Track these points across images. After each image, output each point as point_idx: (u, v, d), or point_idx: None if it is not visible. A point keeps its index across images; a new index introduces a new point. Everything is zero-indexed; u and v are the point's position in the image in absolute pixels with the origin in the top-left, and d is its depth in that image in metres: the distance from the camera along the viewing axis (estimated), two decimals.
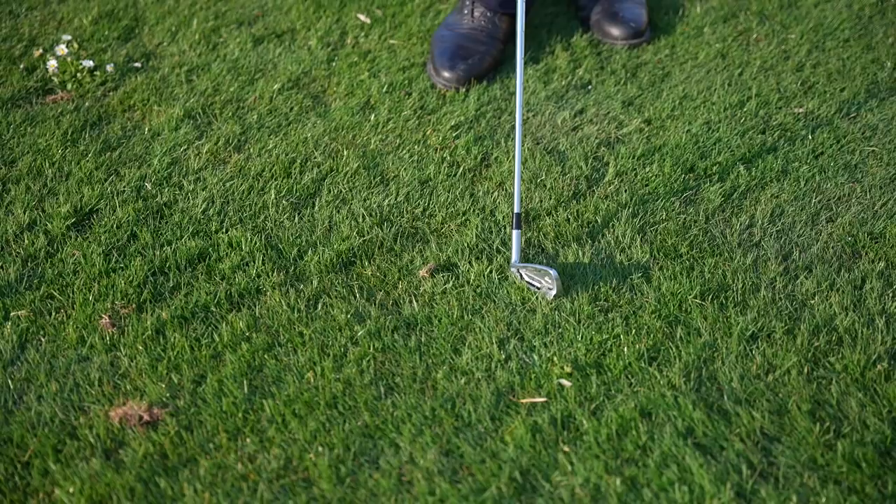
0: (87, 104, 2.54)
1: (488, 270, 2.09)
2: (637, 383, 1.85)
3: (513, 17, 2.70)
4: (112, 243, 2.15)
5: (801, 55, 2.70)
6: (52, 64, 2.60)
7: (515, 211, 2.11)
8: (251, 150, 2.42)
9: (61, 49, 2.65)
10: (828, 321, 1.96)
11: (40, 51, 2.68)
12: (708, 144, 2.42)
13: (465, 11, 2.72)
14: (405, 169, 2.36)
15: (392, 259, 2.13)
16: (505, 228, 2.20)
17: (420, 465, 1.72)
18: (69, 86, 2.59)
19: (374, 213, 2.24)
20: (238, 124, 2.49)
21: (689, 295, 2.02)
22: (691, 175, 2.34)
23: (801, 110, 2.52)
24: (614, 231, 2.19)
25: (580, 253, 2.13)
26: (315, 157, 2.40)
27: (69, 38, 2.72)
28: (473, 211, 2.25)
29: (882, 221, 2.19)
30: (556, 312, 1.99)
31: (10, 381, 1.86)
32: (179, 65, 2.69)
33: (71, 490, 1.68)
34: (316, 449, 1.75)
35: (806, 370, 1.86)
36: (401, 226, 2.21)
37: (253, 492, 1.69)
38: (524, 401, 1.83)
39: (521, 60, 2.16)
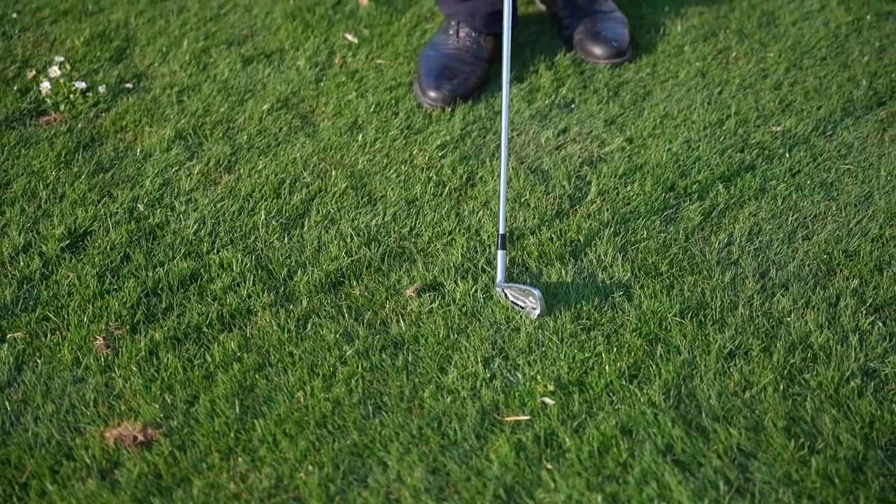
0: (79, 125, 2.59)
1: (473, 290, 2.15)
2: (618, 401, 1.91)
3: (497, 37, 2.75)
4: (106, 265, 2.20)
5: (779, 73, 2.77)
6: (46, 86, 2.65)
7: (500, 232, 2.17)
8: (241, 170, 2.47)
9: (54, 70, 2.69)
10: (803, 338, 2.02)
11: (33, 72, 2.73)
12: (688, 163, 2.48)
13: (451, 32, 2.77)
14: (392, 189, 2.42)
15: (379, 279, 2.18)
16: (490, 248, 2.25)
17: (407, 483, 1.77)
18: (62, 107, 2.64)
19: (361, 233, 2.29)
20: (228, 145, 2.54)
21: (669, 313, 2.07)
22: (671, 194, 2.40)
23: (778, 129, 2.58)
24: (596, 250, 2.24)
25: (563, 272, 2.19)
26: (304, 178, 2.45)
27: (62, 59, 2.77)
28: (459, 230, 2.30)
29: (856, 239, 2.25)
30: (540, 331, 2.05)
31: (7, 403, 1.91)
32: (170, 85, 2.73)
33: None
34: (306, 468, 1.80)
35: (782, 387, 1.92)
36: (388, 245, 2.26)
37: None
38: (508, 419, 1.88)
39: (506, 82, 2.22)
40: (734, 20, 2.97)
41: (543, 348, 2.02)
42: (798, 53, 2.83)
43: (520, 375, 1.96)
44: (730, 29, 2.94)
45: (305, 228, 2.31)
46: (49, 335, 2.04)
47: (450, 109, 2.66)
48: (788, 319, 2.07)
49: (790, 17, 2.96)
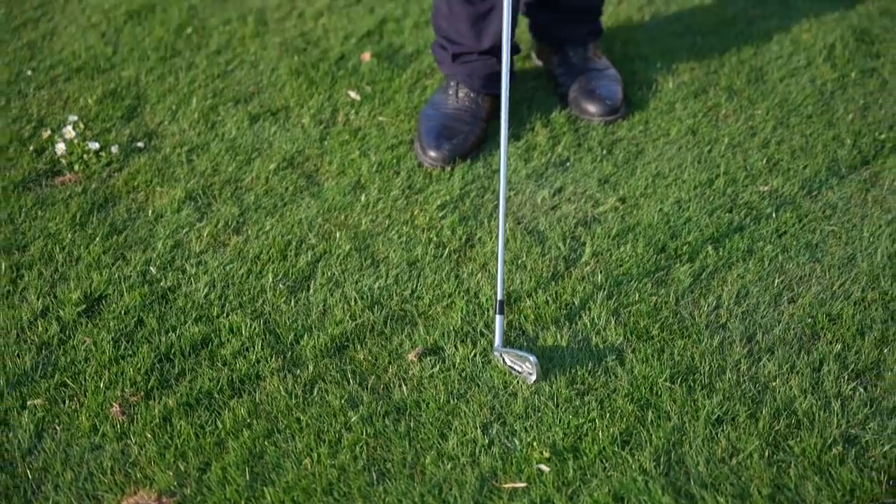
0: (93, 186, 2.69)
1: (472, 354, 2.24)
2: (611, 468, 2.00)
3: (495, 97, 2.85)
4: (120, 329, 2.29)
5: (766, 132, 2.86)
6: (61, 147, 2.75)
7: (498, 298, 2.27)
8: (249, 231, 2.57)
9: (68, 131, 2.79)
10: (788, 404, 2.12)
11: (48, 132, 2.82)
12: (678, 224, 2.58)
13: (450, 92, 2.87)
14: (394, 250, 2.51)
15: (382, 343, 2.28)
16: (488, 311, 2.35)
17: None
18: (76, 167, 2.73)
19: (365, 297, 2.39)
20: (236, 205, 2.64)
21: (660, 378, 2.17)
22: (663, 255, 2.49)
23: (766, 188, 2.68)
24: (590, 313, 2.34)
25: (558, 336, 2.28)
26: (309, 239, 2.54)
27: (75, 118, 2.86)
28: (459, 293, 2.40)
29: (840, 302, 2.35)
30: (536, 396, 2.15)
31: (28, 471, 2.00)
32: (180, 144, 2.83)
33: None
34: None
35: (767, 454, 2.02)
36: (390, 308, 2.36)
37: None
38: (506, 486, 1.98)
39: (504, 152, 2.31)
40: (724, 76, 3.06)
41: (540, 413, 2.11)
42: (785, 111, 2.93)
43: (517, 441, 2.06)
44: (719, 86, 3.03)
45: (311, 291, 2.40)
46: (67, 401, 2.14)
47: (449, 168, 2.76)
48: (774, 384, 2.16)
49: (778, 74, 3.06)
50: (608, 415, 2.10)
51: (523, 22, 3.18)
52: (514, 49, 2.96)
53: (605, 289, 2.39)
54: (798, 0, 3.36)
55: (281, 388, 2.17)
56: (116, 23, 3.27)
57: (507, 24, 2.33)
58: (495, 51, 2.81)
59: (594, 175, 2.74)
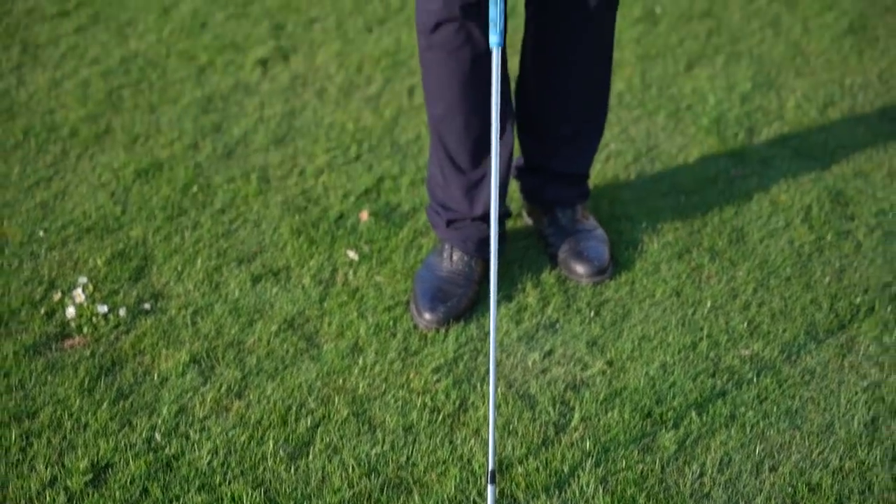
0: (101, 349, 2.80)
1: None
2: None
3: (488, 261, 2.98)
4: (126, 499, 2.38)
5: (747, 294, 2.99)
6: (71, 311, 2.86)
7: (490, 468, 2.36)
8: (251, 396, 2.67)
9: (78, 294, 2.91)
10: None
11: (59, 294, 2.95)
12: (664, 388, 2.69)
13: (445, 255, 3.01)
14: (391, 415, 2.61)
15: None
16: (481, 479, 2.44)
17: None
18: (85, 329, 2.85)
19: (362, 463, 2.48)
20: (239, 369, 2.75)
21: None
22: (648, 420, 2.60)
23: (747, 352, 2.80)
24: (579, 481, 2.43)
25: None
26: (309, 404, 2.65)
27: (85, 280, 2.99)
28: (452, 460, 2.49)
29: (818, 471, 2.44)
30: None
31: None
32: (185, 305, 2.95)
33: None
34: None
35: None
36: (387, 475, 2.45)
37: None
38: None
39: (493, 342, 2.43)
40: (706, 237, 3.21)
41: None
42: (765, 273, 3.06)
43: None
44: (702, 246, 3.17)
45: (310, 458, 2.50)
46: None
47: (444, 330, 2.87)
48: None
49: (758, 235, 3.20)
50: None
51: (514, 182, 3.33)
52: (506, 213, 3.11)
53: (593, 456, 2.49)
54: (776, 159, 3.52)
55: None
56: (125, 181, 3.42)
57: (494, 193, 2.44)
58: (488, 217, 2.95)
59: (583, 337, 2.86)
